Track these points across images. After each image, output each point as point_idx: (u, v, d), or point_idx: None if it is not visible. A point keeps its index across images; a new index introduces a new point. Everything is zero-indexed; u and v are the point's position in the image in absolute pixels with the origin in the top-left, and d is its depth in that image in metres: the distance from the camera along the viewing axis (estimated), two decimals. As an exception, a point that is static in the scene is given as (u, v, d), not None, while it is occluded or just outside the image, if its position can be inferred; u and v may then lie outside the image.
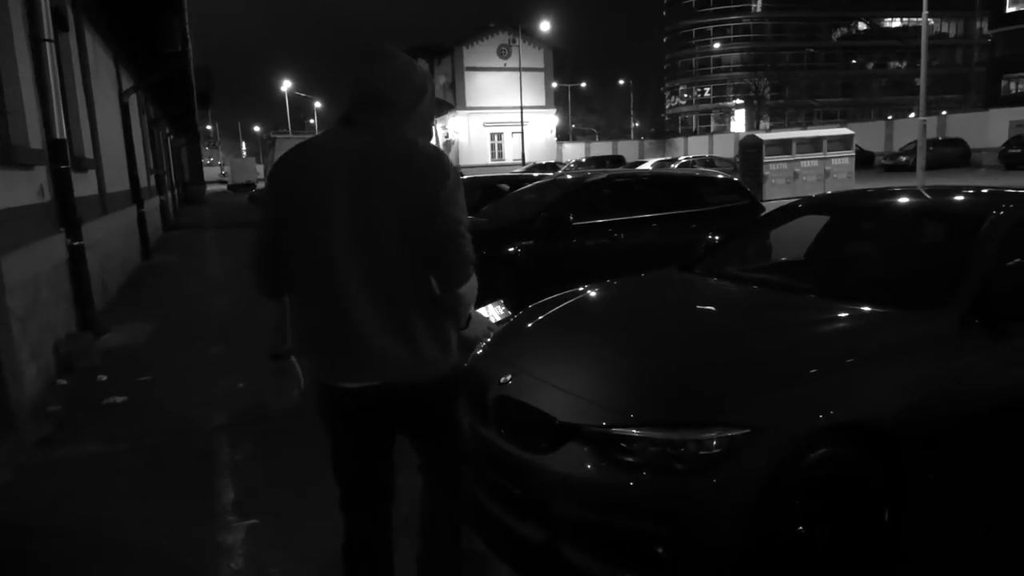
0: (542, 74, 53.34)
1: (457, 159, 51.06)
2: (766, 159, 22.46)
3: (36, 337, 5.21)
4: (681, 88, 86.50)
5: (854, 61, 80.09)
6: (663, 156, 46.68)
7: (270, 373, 2.20)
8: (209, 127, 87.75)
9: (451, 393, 2.13)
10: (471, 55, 52.20)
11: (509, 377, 2.82)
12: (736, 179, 9.03)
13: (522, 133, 43.88)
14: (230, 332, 6.93)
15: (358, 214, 1.88)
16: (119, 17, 10.48)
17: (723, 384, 2.47)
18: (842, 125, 39.29)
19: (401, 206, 1.87)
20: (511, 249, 7.15)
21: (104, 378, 5.51)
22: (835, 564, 2.46)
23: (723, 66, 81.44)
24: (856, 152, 24.99)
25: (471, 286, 2.00)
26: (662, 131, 74.13)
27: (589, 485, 2.38)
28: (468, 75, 52.13)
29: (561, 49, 58.25)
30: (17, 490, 3.71)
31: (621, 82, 78.10)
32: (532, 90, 50.05)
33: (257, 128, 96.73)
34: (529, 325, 3.41)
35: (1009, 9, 48.22)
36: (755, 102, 71.34)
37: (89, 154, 8.69)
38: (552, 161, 41.75)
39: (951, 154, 33.52)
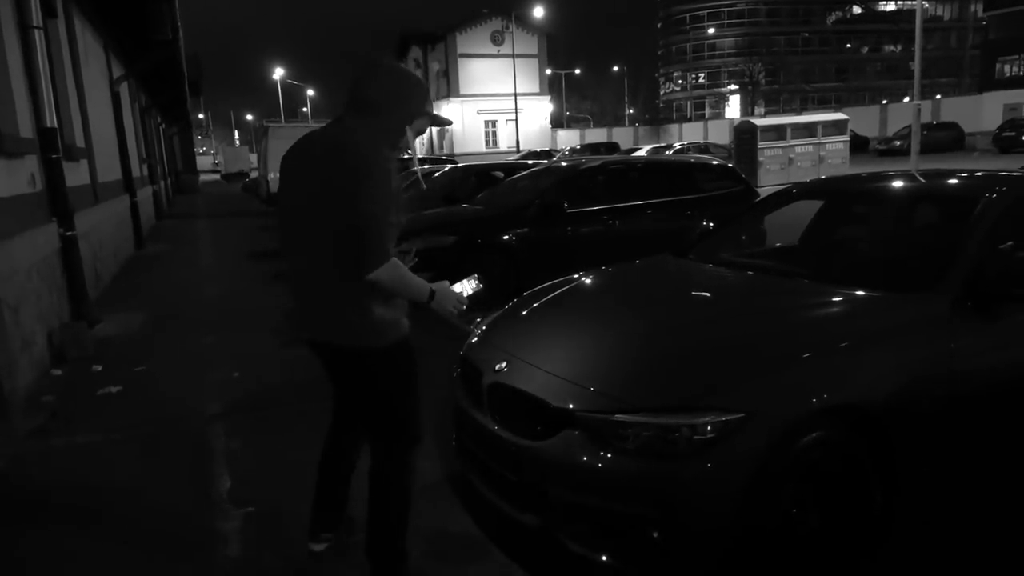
0: (536, 61, 53.06)
1: (451, 147, 50.90)
2: (760, 145, 22.46)
3: (29, 327, 5.19)
4: (675, 74, 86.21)
5: (848, 45, 79.89)
6: (658, 143, 46.61)
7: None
8: (201, 116, 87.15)
9: (378, 364, 2.37)
10: (464, 42, 51.88)
11: (504, 364, 2.83)
12: (730, 165, 9.03)
13: (516, 120, 43.68)
14: (224, 321, 6.91)
15: (303, 198, 2.30)
16: (108, 4, 10.37)
17: (717, 369, 2.47)
18: (836, 110, 39.28)
19: (328, 195, 2.20)
20: (506, 236, 7.14)
21: (98, 368, 5.49)
22: (827, 547, 2.48)
23: (717, 52, 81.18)
24: (850, 137, 25.00)
25: (389, 275, 2.22)
26: (657, 118, 73.91)
27: (584, 470, 2.39)
28: (461, 62, 51.84)
29: (555, 35, 58.00)
30: (10, 480, 3.70)
31: (615, 68, 77.87)
32: (526, 77, 49.81)
33: (250, 117, 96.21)
34: (524, 312, 3.41)
35: (1004, -8, 48.09)
36: (750, 88, 71.23)
37: (80, 143, 8.63)
38: (546, 148, 41.62)
39: (945, 138, 33.56)
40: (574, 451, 2.41)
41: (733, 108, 76.45)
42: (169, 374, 5.36)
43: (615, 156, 22.94)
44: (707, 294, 3.44)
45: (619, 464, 2.33)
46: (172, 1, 11.14)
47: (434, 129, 56.39)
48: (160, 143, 24.46)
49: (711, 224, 4.34)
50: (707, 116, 73.60)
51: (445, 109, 52.77)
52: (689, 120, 71.13)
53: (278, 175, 2.56)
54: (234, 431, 4.17)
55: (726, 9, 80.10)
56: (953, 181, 3.72)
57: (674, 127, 62.27)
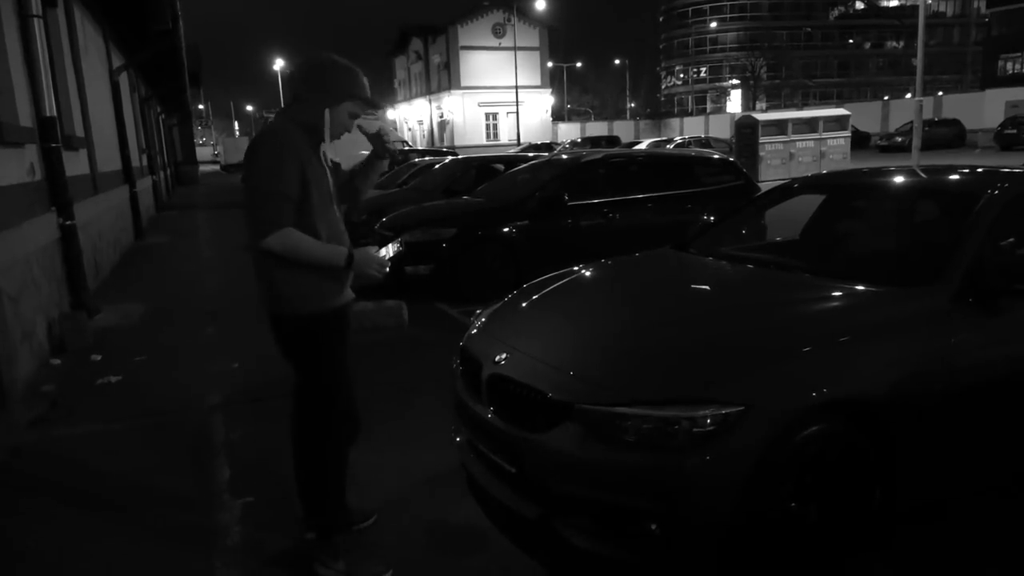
0: (537, 53, 52.94)
1: (452, 139, 50.80)
2: (762, 139, 22.41)
3: (29, 317, 5.19)
4: (677, 68, 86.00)
5: (851, 41, 79.69)
6: (659, 136, 46.46)
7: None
8: (201, 106, 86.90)
9: (295, 331, 2.56)
10: (466, 34, 51.74)
11: (503, 356, 2.83)
12: (732, 159, 9.00)
13: (517, 113, 43.58)
14: (223, 312, 6.91)
15: None
16: (108, -7, 10.33)
17: (717, 362, 2.47)
18: (838, 105, 39.21)
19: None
20: (506, 229, 7.14)
21: (98, 358, 5.49)
22: (826, 540, 2.49)
23: (719, 46, 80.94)
24: (852, 132, 24.95)
25: (281, 244, 2.39)
26: (658, 111, 73.68)
27: (583, 463, 2.39)
28: (463, 54, 51.72)
29: (556, 28, 57.74)
30: (11, 469, 3.71)
31: (617, 62, 77.55)
32: (527, 70, 49.69)
33: (250, 107, 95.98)
34: (524, 304, 3.41)
35: (1007, -12, 47.92)
36: (751, 82, 71.06)
37: (80, 133, 8.60)
38: (547, 141, 41.54)
39: (947, 134, 33.51)
40: (574, 443, 2.41)
41: (734, 103, 76.26)
42: (169, 364, 5.36)
43: (616, 149, 22.90)
44: (707, 287, 3.44)
45: (619, 456, 2.33)
46: (172, -10, 11.10)
47: (435, 121, 56.35)
48: (160, 133, 24.39)
49: (712, 218, 4.34)
50: (708, 110, 73.41)
51: (446, 101, 52.70)
52: (690, 114, 70.95)
53: None
54: (234, 421, 4.18)
55: (728, 3, 79.86)
56: (954, 177, 3.71)
57: (675, 121, 62.09)
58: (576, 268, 3.86)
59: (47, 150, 6.08)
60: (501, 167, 10.43)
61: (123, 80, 12.97)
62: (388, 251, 2.73)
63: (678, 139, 34.49)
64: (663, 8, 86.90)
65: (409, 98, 63.39)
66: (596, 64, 74.97)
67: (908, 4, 73.15)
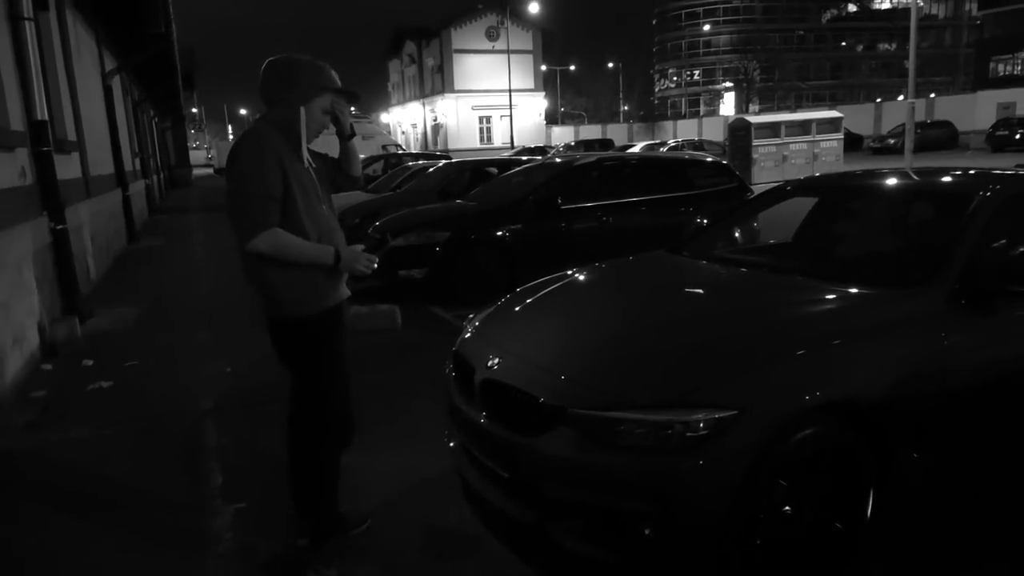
0: (530, 56, 53.02)
1: (446, 142, 50.79)
2: (755, 142, 22.49)
3: (20, 322, 5.15)
4: (670, 71, 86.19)
5: (843, 43, 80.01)
6: (652, 139, 46.54)
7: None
8: (195, 110, 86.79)
9: (290, 334, 2.56)
10: (459, 37, 51.77)
11: (496, 360, 2.82)
12: (725, 162, 9.03)
13: (511, 116, 43.62)
14: (216, 316, 6.89)
15: None
16: (101, -4, 10.30)
17: (710, 365, 2.47)
18: (831, 108, 39.34)
19: None
20: (500, 232, 7.13)
21: (90, 363, 5.46)
22: (821, 544, 2.48)
23: (712, 49, 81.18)
24: (844, 135, 25.05)
25: (267, 245, 2.39)
26: (651, 114, 73.65)
27: (576, 467, 2.38)
28: (456, 57, 51.74)
29: (550, 31, 57.87)
30: (2, 474, 3.67)
31: (610, 65, 77.65)
32: (520, 73, 49.76)
33: (244, 111, 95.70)
34: (517, 308, 3.40)
35: (998, -10, 48.22)
36: (744, 85, 71.25)
37: (72, 136, 8.57)
38: (541, 144, 41.58)
39: (939, 136, 33.67)
40: (567, 448, 2.40)
41: (728, 105, 76.45)
42: (161, 369, 5.33)
43: (609, 152, 22.96)
44: (701, 291, 3.43)
45: (612, 460, 2.32)
46: (165, -6, 11.08)
47: (429, 124, 56.30)
48: (153, 137, 24.32)
49: (705, 220, 4.34)
50: (702, 113, 73.63)
51: (440, 104, 52.69)
52: (684, 117, 71.15)
53: None
54: (226, 425, 4.16)
55: (721, 6, 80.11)
56: (947, 179, 3.72)
57: (669, 124, 62.25)
58: (570, 272, 3.85)
59: (38, 154, 6.05)
60: (495, 170, 10.43)
61: (116, 83, 12.92)
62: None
63: (672, 142, 34.57)
64: (656, 11, 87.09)
65: (403, 101, 63.40)
66: (589, 67, 75.13)
67: (900, 7, 73.57)
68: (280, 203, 2.43)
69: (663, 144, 33.25)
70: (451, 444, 3.15)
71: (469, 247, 7.04)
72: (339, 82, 2.60)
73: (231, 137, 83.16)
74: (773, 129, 23.04)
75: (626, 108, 78.71)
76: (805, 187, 4.40)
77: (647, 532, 2.29)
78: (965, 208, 3.04)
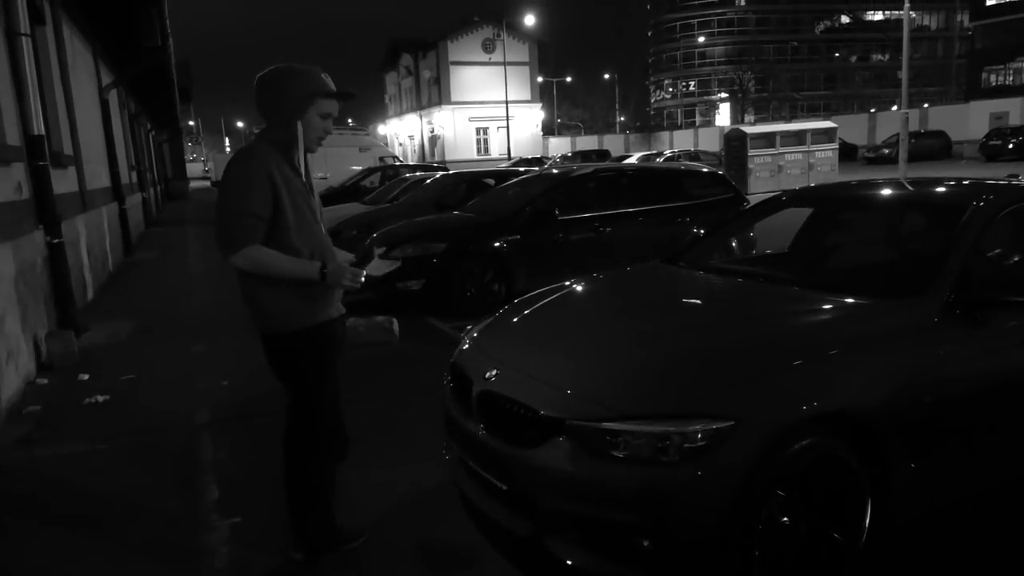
0: (527, 68, 53.25)
1: (443, 154, 50.91)
2: (750, 152, 22.58)
3: (14, 336, 5.13)
4: (666, 82, 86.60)
5: (837, 54, 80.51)
6: (649, 150, 46.70)
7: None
8: (192, 122, 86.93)
9: (293, 348, 2.56)
10: (456, 49, 52.01)
11: (494, 372, 2.81)
12: (721, 172, 9.06)
13: (508, 127, 43.76)
14: (213, 329, 6.87)
15: None
16: (97, 10, 10.32)
17: (707, 376, 2.47)
18: (825, 118, 39.57)
19: None
20: (496, 244, 7.14)
21: (85, 377, 5.44)
22: (819, 555, 2.47)
23: (707, 60, 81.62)
24: (839, 145, 25.18)
25: (248, 261, 2.42)
26: (647, 125, 73.91)
27: (574, 479, 2.37)
28: (453, 69, 51.97)
29: (546, 43, 58.21)
30: (-4, 491, 3.65)
31: (606, 76, 78.07)
32: (517, 84, 49.94)
33: (240, 123, 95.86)
34: (515, 320, 3.40)
35: (990, 1, 48.67)
36: (739, 95, 71.65)
37: (68, 150, 8.57)
38: (538, 156, 41.69)
39: (933, 146, 33.86)
40: (564, 459, 2.40)
41: (723, 116, 76.78)
42: (157, 382, 5.31)
43: (606, 163, 23.03)
44: (697, 301, 3.44)
45: (609, 472, 2.31)
46: (162, 7, 11.11)
47: (426, 136, 56.39)
48: (149, 149, 24.34)
49: (701, 231, 4.35)
50: (697, 124, 73.87)
51: (437, 116, 52.87)
52: (679, 127, 71.35)
53: None
54: (222, 439, 4.14)
55: (716, 18, 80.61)
56: (941, 189, 3.74)
57: (665, 134, 62.46)
58: (566, 283, 3.85)
59: (35, 168, 6.05)
60: (492, 182, 10.45)
61: (112, 97, 12.95)
62: (381, 268, 2.67)
63: (668, 152, 34.71)
64: (651, 22, 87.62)
65: (400, 113, 63.60)
66: (585, 78, 75.48)
67: (893, 18, 74.08)
68: (267, 221, 2.42)
69: (659, 155, 33.37)
70: (448, 456, 3.14)
71: (466, 258, 7.04)
72: (331, 84, 2.55)
73: (228, 149, 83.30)
74: (769, 139, 23.14)
75: (622, 119, 79.11)
76: (801, 197, 4.42)
77: (645, 544, 2.29)
78: (959, 218, 3.06)
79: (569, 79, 71.33)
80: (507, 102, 42.95)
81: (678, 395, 2.40)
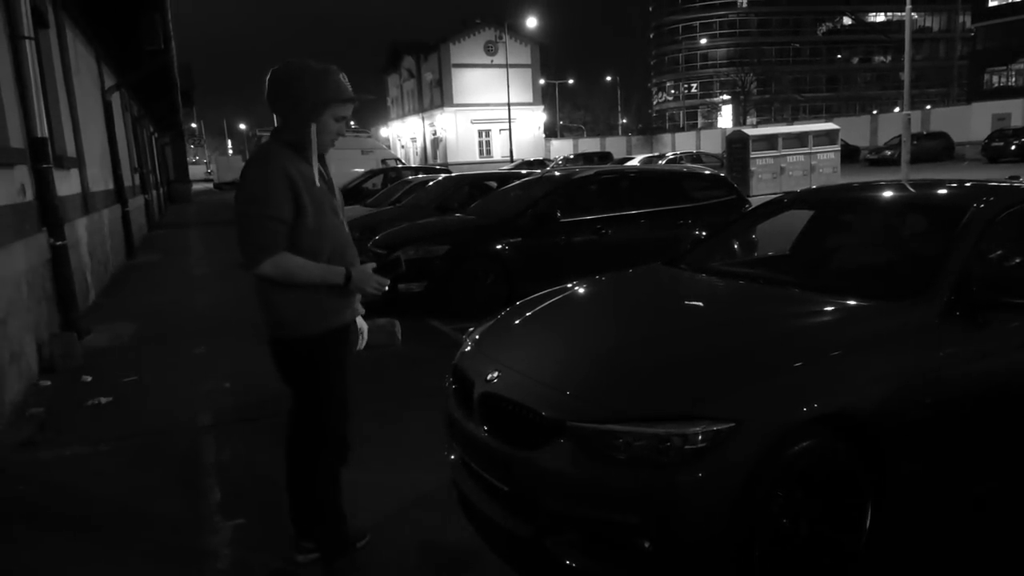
0: (529, 70, 53.23)
1: (445, 156, 50.93)
2: (752, 154, 22.58)
3: (17, 338, 5.15)
4: (668, 84, 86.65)
5: (839, 56, 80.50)
6: (651, 152, 46.72)
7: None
8: (194, 125, 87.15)
9: (306, 354, 2.53)
10: (458, 52, 52.02)
11: (496, 374, 2.82)
12: (722, 174, 9.07)
13: (510, 130, 43.77)
14: (215, 331, 6.88)
15: None
16: (100, 14, 10.36)
17: (708, 378, 2.47)
18: (827, 120, 39.57)
19: None
20: (499, 246, 7.15)
21: (88, 379, 5.45)
22: (821, 556, 2.48)
23: (709, 62, 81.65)
24: (841, 146, 25.17)
25: (275, 268, 2.39)
26: (649, 127, 73.94)
27: (575, 480, 2.38)
28: (455, 72, 51.97)
29: (547, 45, 58.20)
30: (-1, 493, 3.66)
31: (608, 78, 78.09)
32: (519, 87, 49.95)
33: (243, 126, 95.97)
34: (516, 322, 3.41)
35: (992, 3, 48.65)
36: (741, 97, 71.65)
37: (72, 153, 8.60)
38: (540, 158, 41.70)
39: (935, 147, 33.82)
40: (566, 461, 2.40)
41: (725, 118, 76.80)
42: (160, 384, 5.32)
43: (608, 166, 23.02)
44: (699, 303, 3.44)
45: (610, 474, 2.32)
46: (164, 11, 11.14)
47: (428, 138, 56.35)
48: (152, 152, 24.39)
49: (703, 233, 4.35)
50: (699, 126, 73.92)
51: (439, 118, 52.88)
52: (682, 130, 71.40)
53: None
54: (225, 442, 4.15)
55: (718, 20, 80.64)
56: (942, 191, 3.74)
57: (667, 136, 62.49)
58: (568, 285, 3.86)
59: (38, 171, 6.07)
60: (494, 184, 10.46)
61: (115, 100, 12.98)
62: (411, 287, 2.72)
63: (670, 154, 34.71)
64: (653, 25, 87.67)
65: (402, 116, 63.63)
66: (587, 80, 75.53)
67: (895, 19, 74.04)
68: (289, 224, 2.38)
69: (661, 157, 33.39)
70: (450, 458, 3.15)
71: (468, 261, 7.05)
72: (348, 87, 2.48)
73: (231, 152, 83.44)
74: (770, 141, 23.14)
75: (624, 121, 79.07)
76: (802, 199, 4.42)
77: (646, 545, 2.29)
78: (960, 220, 3.06)
79: (571, 81, 71.42)
80: (509, 104, 42.95)
81: (679, 396, 2.40)
